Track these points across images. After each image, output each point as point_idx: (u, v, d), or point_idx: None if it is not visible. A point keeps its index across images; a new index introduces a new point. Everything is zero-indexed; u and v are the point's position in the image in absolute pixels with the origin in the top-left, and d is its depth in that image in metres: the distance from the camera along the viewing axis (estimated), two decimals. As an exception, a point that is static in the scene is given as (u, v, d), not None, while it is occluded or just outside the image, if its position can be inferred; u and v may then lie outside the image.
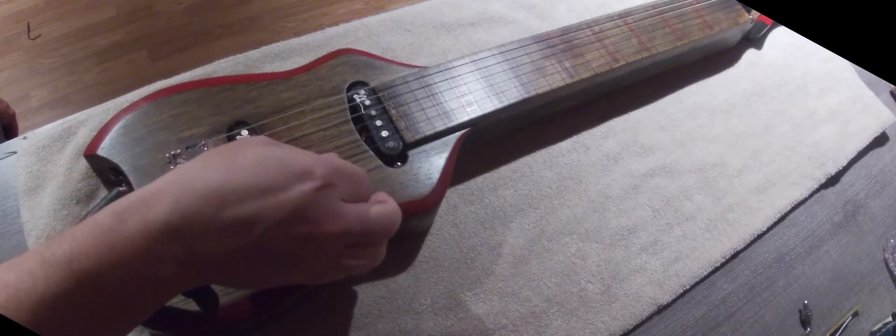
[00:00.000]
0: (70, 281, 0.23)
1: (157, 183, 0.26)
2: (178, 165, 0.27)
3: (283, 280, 0.30)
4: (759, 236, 0.56)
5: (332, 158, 0.30)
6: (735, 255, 0.55)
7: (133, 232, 0.24)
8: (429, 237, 0.49)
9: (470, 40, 0.62)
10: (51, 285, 0.23)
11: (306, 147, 0.43)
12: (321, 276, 0.30)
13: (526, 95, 0.50)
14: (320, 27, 0.59)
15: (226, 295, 0.37)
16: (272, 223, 0.25)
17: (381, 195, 0.33)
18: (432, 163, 0.45)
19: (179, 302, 0.36)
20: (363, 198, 0.31)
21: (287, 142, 0.43)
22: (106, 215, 0.25)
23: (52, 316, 0.23)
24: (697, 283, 0.53)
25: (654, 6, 0.61)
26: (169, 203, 0.24)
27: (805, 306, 0.55)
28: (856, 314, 0.56)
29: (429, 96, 0.48)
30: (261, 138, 0.30)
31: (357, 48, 0.51)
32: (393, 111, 0.47)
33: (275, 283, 0.30)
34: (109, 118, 0.42)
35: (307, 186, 0.26)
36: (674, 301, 0.51)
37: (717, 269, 0.54)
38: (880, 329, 0.56)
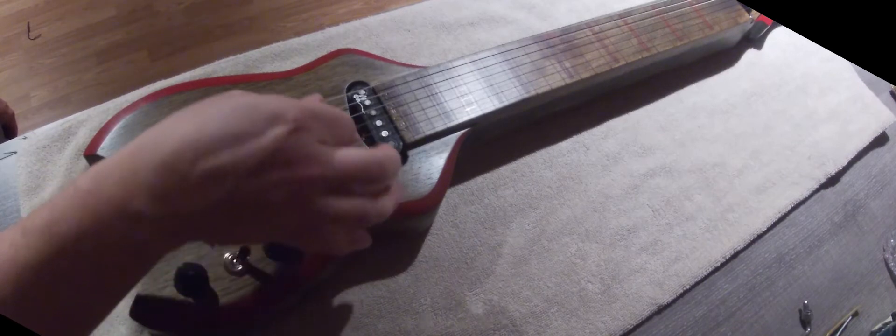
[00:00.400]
0: (50, 248, 0.23)
1: (134, 143, 0.25)
2: (153, 125, 0.26)
3: (268, 234, 0.29)
4: (759, 236, 0.56)
5: (308, 101, 0.28)
6: (735, 255, 0.55)
7: (111, 194, 0.23)
8: (429, 237, 0.49)
9: (470, 40, 0.62)
10: (32, 253, 0.23)
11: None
12: (313, 231, 0.29)
13: (526, 95, 0.50)
14: (320, 27, 0.59)
15: (226, 295, 0.37)
16: (246, 171, 0.24)
17: (380, 146, 0.31)
18: (432, 163, 0.45)
19: (180, 302, 0.36)
20: (346, 141, 0.30)
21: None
22: (85, 179, 0.24)
23: (36, 285, 0.23)
24: (697, 283, 0.53)
25: (654, 6, 0.61)
26: (144, 162, 0.24)
27: (805, 306, 0.55)
28: (856, 314, 0.56)
29: (429, 96, 0.48)
30: (235, 91, 0.28)
31: (357, 48, 0.51)
32: (393, 111, 0.47)
33: (261, 238, 0.29)
34: (109, 118, 0.42)
35: (279, 131, 0.25)
36: (674, 301, 0.51)
37: (717, 269, 0.54)
38: (880, 329, 0.56)
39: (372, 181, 0.30)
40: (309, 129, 0.27)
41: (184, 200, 0.24)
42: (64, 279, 0.23)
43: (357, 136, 0.31)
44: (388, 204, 0.31)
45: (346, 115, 0.30)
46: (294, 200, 0.26)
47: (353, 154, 0.28)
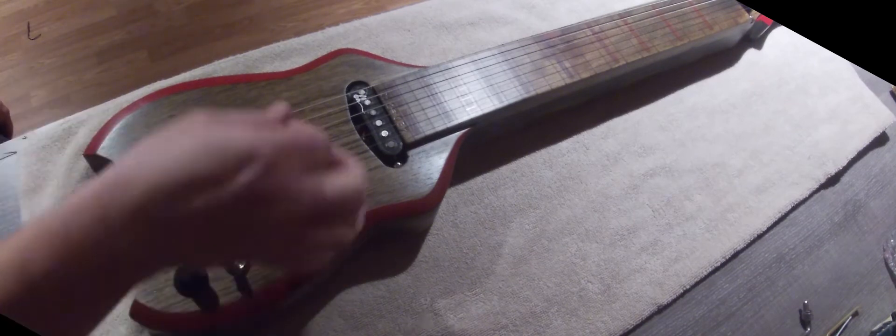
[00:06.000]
0: (62, 256, 0.23)
1: (104, 179, 0.25)
2: (127, 152, 0.26)
3: (245, 257, 0.32)
4: (759, 236, 0.56)
5: (281, 134, 0.28)
6: (735, 255, 0.55)
7: (81, 237, 0.24)
8: (429, 237, 0.49)
9: (470, 40, 0.62)
10: (46, 259, 0.23)
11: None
12: (289, 256, 0.29)
13: (526, 95, 0.50)
14: (320, 27, 0.59)
15: (226, 295, 0.37)
16: (223, 213, 0.25)
17: (346, 160, 0.32)
18: (432, 163, 0.45)
19: (179, 302, 0.36)
20: (322, 163, 0.30)
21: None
22: (54, 218, 0.24)
23: (45, 287, 0.23)
24: (697, 283, 0.53)
25: (654, 6, 0.61)
26: (114, 206, 0.24)
27: (805, 306, 0.55)
28: (856, 314, 0.56)
29: (429, 96, 0.48)
30: (201, 116, 0.28)
31: (357, 48, 0.51)
32: (393, 111, 0.47)
33: (238, 260, 0.32)
34: (109, 118, 0.42)
35: (252, 172, 0.25)
36: (674, 301, 0.51)
37: (717, 269, 0.54)
38: (880, 329, 0.56)
39: (351, 211, 0.30)
40: (283, 165, 0.27)
41: (158, 243, 0.24)
42: (70, 285, 0.24)
43: (332, 152, 0.31)
44: (361, 221, 0.32)
45: (320, 135, 0.30)
46: (274, 234, 0.27)
47: (331, 188, 0.28)
